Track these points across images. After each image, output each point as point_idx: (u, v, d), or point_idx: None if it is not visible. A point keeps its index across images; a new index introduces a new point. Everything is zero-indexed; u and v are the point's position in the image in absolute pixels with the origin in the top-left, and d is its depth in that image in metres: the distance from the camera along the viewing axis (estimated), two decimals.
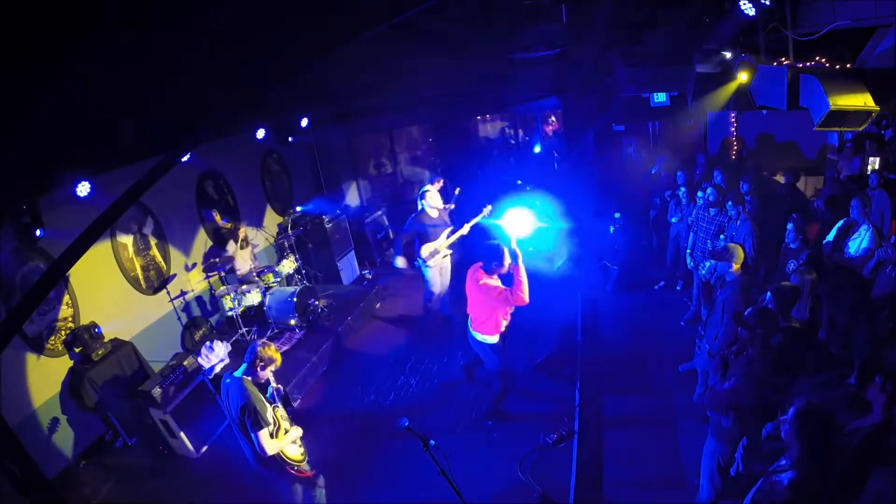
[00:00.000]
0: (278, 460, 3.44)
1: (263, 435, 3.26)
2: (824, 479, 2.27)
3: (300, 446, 3.62)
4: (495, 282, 4.40)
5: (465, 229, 6.24)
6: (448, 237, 6.28)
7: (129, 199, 3.27)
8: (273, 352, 3.42)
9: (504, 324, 4.54)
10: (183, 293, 6.25)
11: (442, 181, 6.95)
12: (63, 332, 5.05)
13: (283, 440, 3.42)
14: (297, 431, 3.56)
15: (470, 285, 4.53)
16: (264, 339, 3.52)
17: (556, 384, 5.35)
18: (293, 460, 3.52)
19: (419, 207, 6.36)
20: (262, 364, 3.37)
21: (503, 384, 4.80)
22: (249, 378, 3.36)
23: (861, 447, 2.61)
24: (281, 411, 3.53)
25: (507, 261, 4.36)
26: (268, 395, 3.51)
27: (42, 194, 3.80)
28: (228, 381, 3.40)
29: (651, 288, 7.31)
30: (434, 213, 6.35)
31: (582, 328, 6.32)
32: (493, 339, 4.54)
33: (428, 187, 6.42)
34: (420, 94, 7.46)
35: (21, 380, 4.62)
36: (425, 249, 6.23)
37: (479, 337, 4.57)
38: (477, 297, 4.48)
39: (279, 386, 3.61)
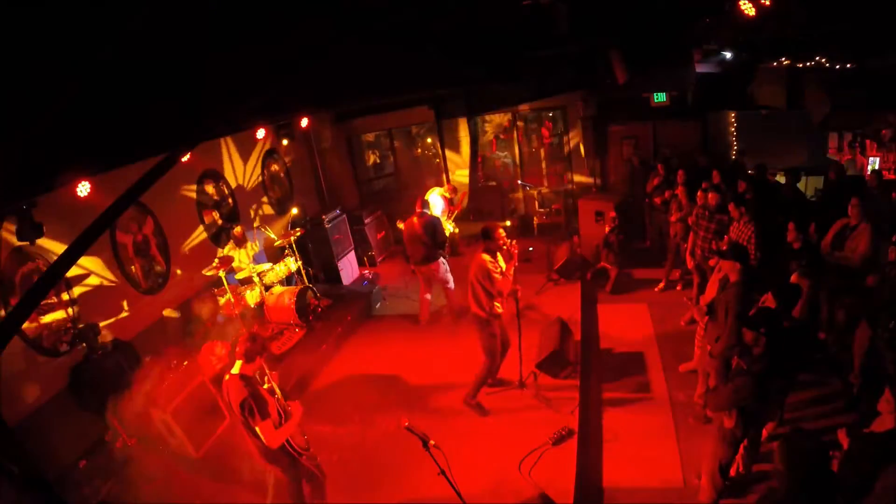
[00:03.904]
0: (286, 450, 3.44)
1: (267, 426, 3.26)
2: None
3: (303, 434, 3.63)
4: (498, 264, 4.64)
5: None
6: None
7: (129, 199, 3.26)
8: (260, 339, 3.46)
9: (498, 308, 4.73)
10: (183, 293, 6.23)
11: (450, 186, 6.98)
12: (63, 332, 5.04)
13: (288, 428, 3.43)
14: (299, 411, 3.58)
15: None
16: (251, 332, 3.56)
17: (556, 384, 5.34)
18: (301, 448, 3.53)
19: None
20: (257, 353, 3.40)
21: (490, 364, 4.93)
22: (247, 373, 3.38)
23: (877, 452, 2.71)
24: (282, 401, 3.54)
25: (503, 236, 4.62)
26: (266, 388, 3.52)
27: (42, 194, 3.80)
28: (227, 378, 3.42)
29: (651, 288, 7.31)
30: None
31: (582, 328, 6.31)
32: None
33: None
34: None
35: (21, 380, 4.61)
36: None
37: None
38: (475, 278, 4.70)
39: (274, 383, 3.62)
